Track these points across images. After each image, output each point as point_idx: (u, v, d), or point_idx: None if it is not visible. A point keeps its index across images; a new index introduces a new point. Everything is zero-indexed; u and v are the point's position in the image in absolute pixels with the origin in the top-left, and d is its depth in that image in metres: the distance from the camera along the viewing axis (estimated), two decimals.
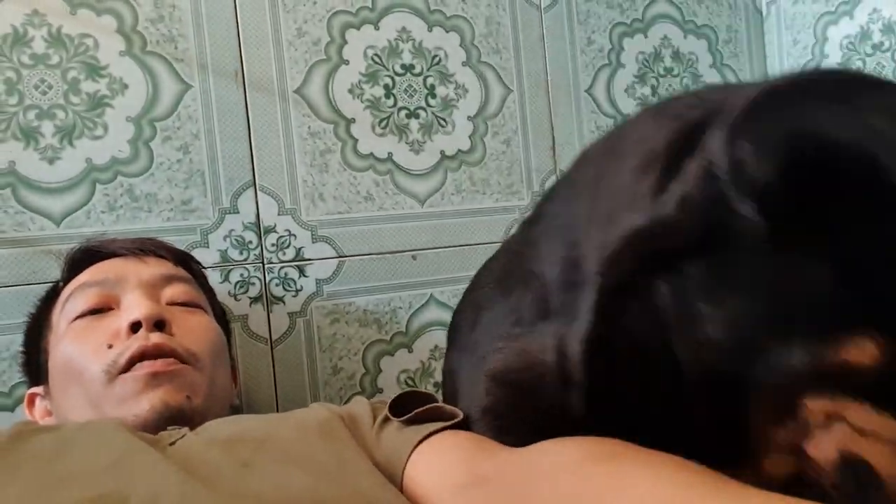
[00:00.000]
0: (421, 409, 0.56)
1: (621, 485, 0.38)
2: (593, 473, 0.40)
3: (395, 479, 0.53)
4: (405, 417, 0.56)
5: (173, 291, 0.67)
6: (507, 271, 0.57)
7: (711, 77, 1.13)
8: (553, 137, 1.02)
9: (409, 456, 0.53)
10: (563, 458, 0.43)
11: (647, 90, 1.09)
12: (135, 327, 0.61)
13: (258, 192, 0.86)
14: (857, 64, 1.04)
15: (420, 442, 0.54)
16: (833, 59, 1.07)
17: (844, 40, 1.06)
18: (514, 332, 0.50)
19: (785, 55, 1.15)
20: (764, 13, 1.17)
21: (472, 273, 0.94)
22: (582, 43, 1.04)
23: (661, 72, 1.10)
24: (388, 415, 0.57)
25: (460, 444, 0.52)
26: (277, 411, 0.86)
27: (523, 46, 1.01)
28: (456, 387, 0.60)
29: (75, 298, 0.65)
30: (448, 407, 0.57)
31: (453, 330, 0.66)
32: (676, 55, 1.11)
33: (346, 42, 0.91)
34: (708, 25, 1.14)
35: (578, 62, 1.04)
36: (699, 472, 0.37)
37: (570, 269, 0.45)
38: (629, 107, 1.07)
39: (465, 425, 0.55)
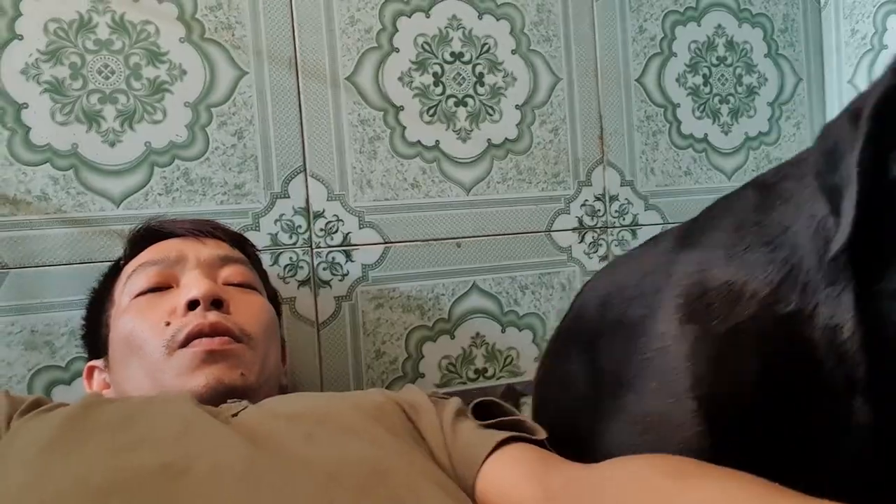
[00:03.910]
0: (506, 418, 0.58)
1: (688, 498, 0.38)
2: (661, 487, 0.41)
3: (472, 470, 0.55)
4: (491, 422, 0.58)
5: (230, 272, 0.69)
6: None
7: (766, 67, 1.10)
8: (601, 127, 1.02)
9: (489, 455, 0.55)
10: (630, 474, 0.44)
11: (698, 79, 1.07)
12: (192, 305, 0.63)
13: (308, 177, 0.88)
14: None
15: (501, 444, 0.55)
16: (893, 49, 1.04)
17: None
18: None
19: (843, 45, 1.11)
20: (822, 2, 1.14)
21: (515, 262, 0.96)
22: (633, 31, 1.03)
23: (714, 61, 1.08)
24: (469, 414, 0.59)
25: (535, 457, 0.54)
26: (322, 391, 0.88)
27: (574, 35, 1.00)
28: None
29: (137, 276, 0.67)
30: (531, 422, 0.58)
31: None
32: (730, 44, 1.09)
33: (396, 30, 0.92)
34: (763, 14, 1.11)
35: (629, 51, 1.03)
36: (766, 487, 0.37)
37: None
38: (680, 96, 1.05)
39: (544, 444, 0.57)
